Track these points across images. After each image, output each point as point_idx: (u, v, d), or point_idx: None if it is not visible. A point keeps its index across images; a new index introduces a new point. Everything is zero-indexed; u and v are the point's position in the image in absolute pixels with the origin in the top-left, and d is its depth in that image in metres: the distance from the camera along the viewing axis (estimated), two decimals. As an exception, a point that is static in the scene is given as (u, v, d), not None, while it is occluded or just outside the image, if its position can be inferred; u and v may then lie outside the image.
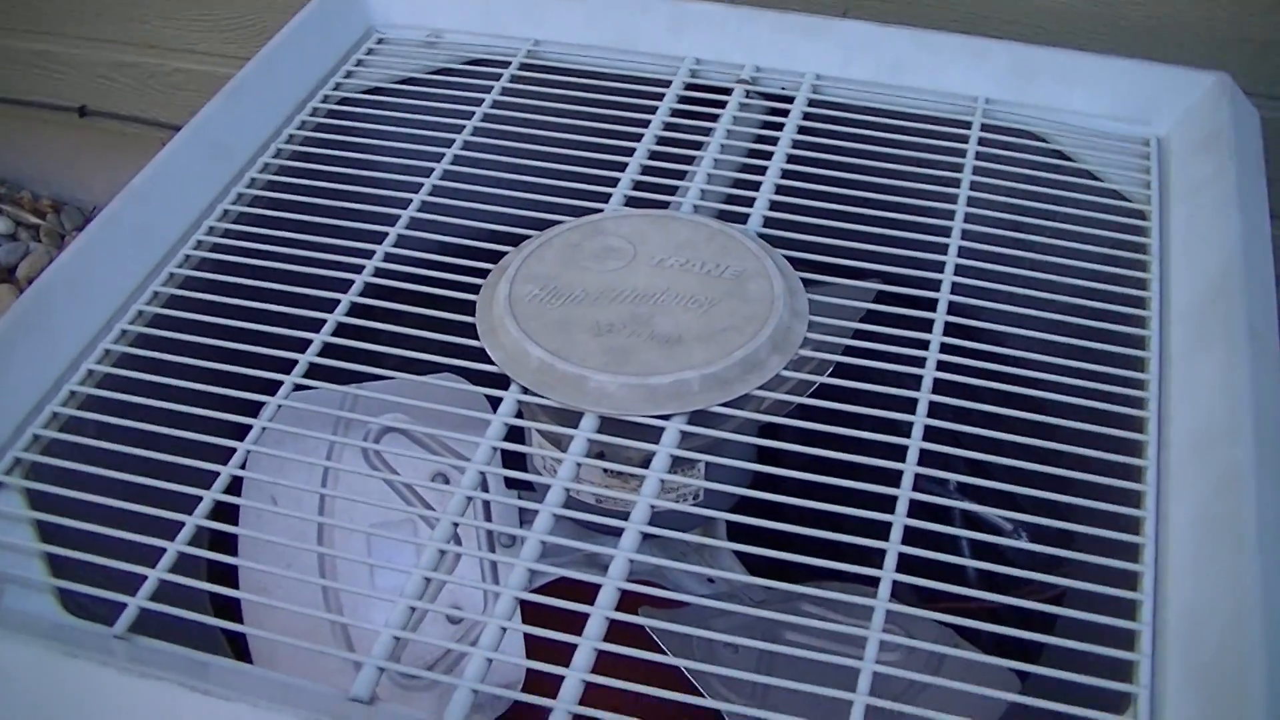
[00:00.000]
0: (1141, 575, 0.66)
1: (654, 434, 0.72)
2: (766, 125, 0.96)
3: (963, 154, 0.90)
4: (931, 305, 0.79)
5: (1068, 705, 0.59)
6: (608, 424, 0.73)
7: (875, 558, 0.65)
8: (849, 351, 0.79)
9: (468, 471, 0.71)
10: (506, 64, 1.01)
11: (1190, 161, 0.90)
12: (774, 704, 0.62)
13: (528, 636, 0.65)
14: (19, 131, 2.00)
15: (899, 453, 0.70)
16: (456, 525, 0.69)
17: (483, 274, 0.82)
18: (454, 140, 0.94)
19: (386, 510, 0.88)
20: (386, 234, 0.87)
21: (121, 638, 0.64)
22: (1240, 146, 0.88)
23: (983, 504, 0.72)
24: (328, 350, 0.79)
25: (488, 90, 0.99)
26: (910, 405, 0.73)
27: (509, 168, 0.92)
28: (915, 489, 0.68)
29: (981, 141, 0.92)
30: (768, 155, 0.91)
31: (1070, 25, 1.32)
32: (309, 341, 0.79)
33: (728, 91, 0.98)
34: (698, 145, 0.93)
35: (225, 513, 0.72)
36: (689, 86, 0.98)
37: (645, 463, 0.71)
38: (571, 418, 0.74)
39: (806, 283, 0.81)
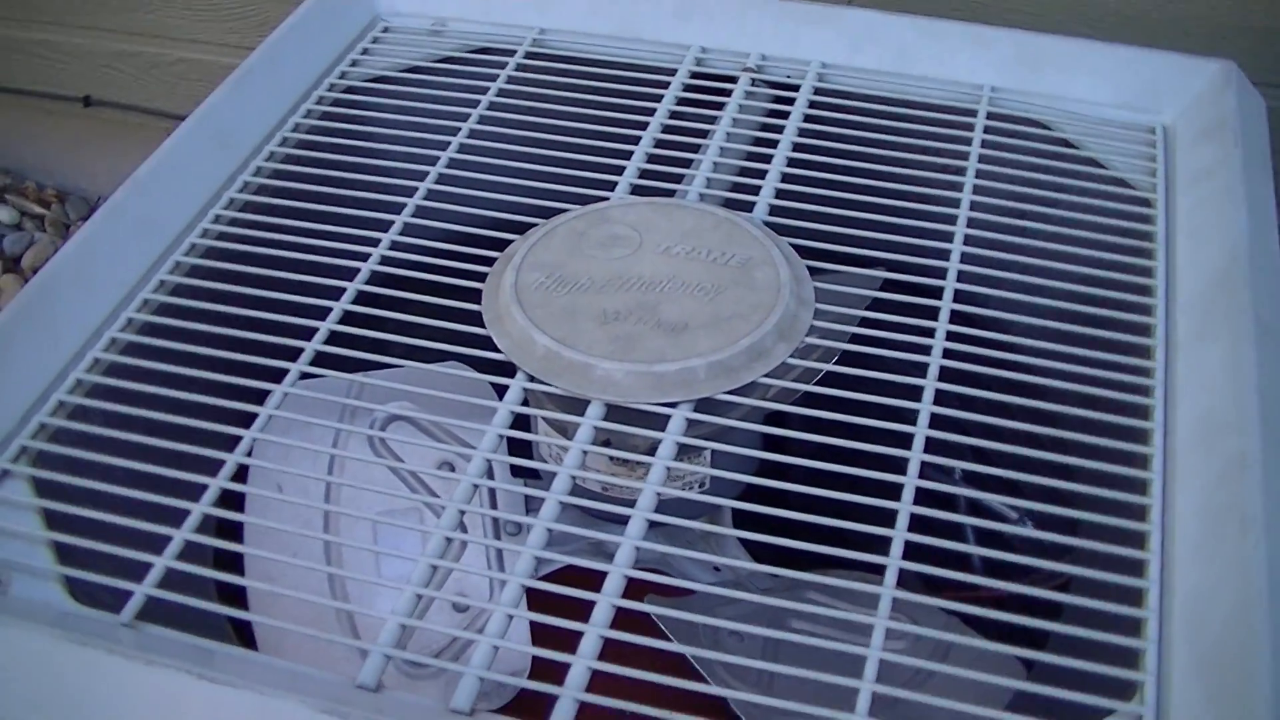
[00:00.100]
0: (1147, 562, 0.66)
1: (660, 422, 0.72)
2: (772, 113, 0.96)
3: (968, 142, 0.90)
4: (937, 293, 0.79)
5: (1074, 692, 0.59)
6: (614, 412, 0.73)
7: (881, 545, 0.65)
8: (855, 339, 0.79)
9: (474, 459, 0.71)
10: (512, 52, 1.01)
11: (1196, 149, 0.89)
12: (780, 692, 0.62)
13: (534, 624, 0.65)
14: (23, 121, 2.00)
15: (905, 440, 0.70)
16: (463, 513, 0.69)
17: (489, 262, 0.83)
18: (460, 129, 0.94)
19: (392, 498, 0.88)
20: (392, 222, 0.87)
21: (128, 626, 0.64)
22: (1246, 134, 0.88)
23: (988, 492, 0.72)
24: (334, 338, 0.79)
25: (493, 79, 0.99)
26: (916, 393, 0.73)
27: (515, 156, 0.92)
28: (921, 477, 0.68)
29: (987, 130, 0.92)
30: (773, 143, 0.91)
31: (1074, 13, 1.32)
32: (315, 330, 0.79)
33: (733, 80, 0.98)
34: (703, 133, 0.93)
35: (232, 500, 0.72)
36: (694, 75, 0.98)
37: (651, 450, 0.71)
38: (578, 405, 0.74)
39: (812, 271, 0.81)
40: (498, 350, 0.77)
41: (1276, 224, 0.83)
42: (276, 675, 0.61)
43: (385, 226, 0.86)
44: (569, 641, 0.62)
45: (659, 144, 0.92)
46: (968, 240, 0.83)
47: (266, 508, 0.80)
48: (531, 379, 0.75)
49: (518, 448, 0.82)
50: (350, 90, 1.00)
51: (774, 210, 0.86)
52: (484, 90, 0.98)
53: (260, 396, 0.75)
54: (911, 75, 0.97)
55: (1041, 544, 0.68)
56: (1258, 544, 0.63)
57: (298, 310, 0.79)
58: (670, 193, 0.88)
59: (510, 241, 0.84)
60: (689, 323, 0.76)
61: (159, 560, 0.66)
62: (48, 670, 0.61)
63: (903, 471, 0.68)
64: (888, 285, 0.84)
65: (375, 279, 0.83)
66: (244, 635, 0.77)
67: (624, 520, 0.68)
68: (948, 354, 0.75)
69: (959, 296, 0.79)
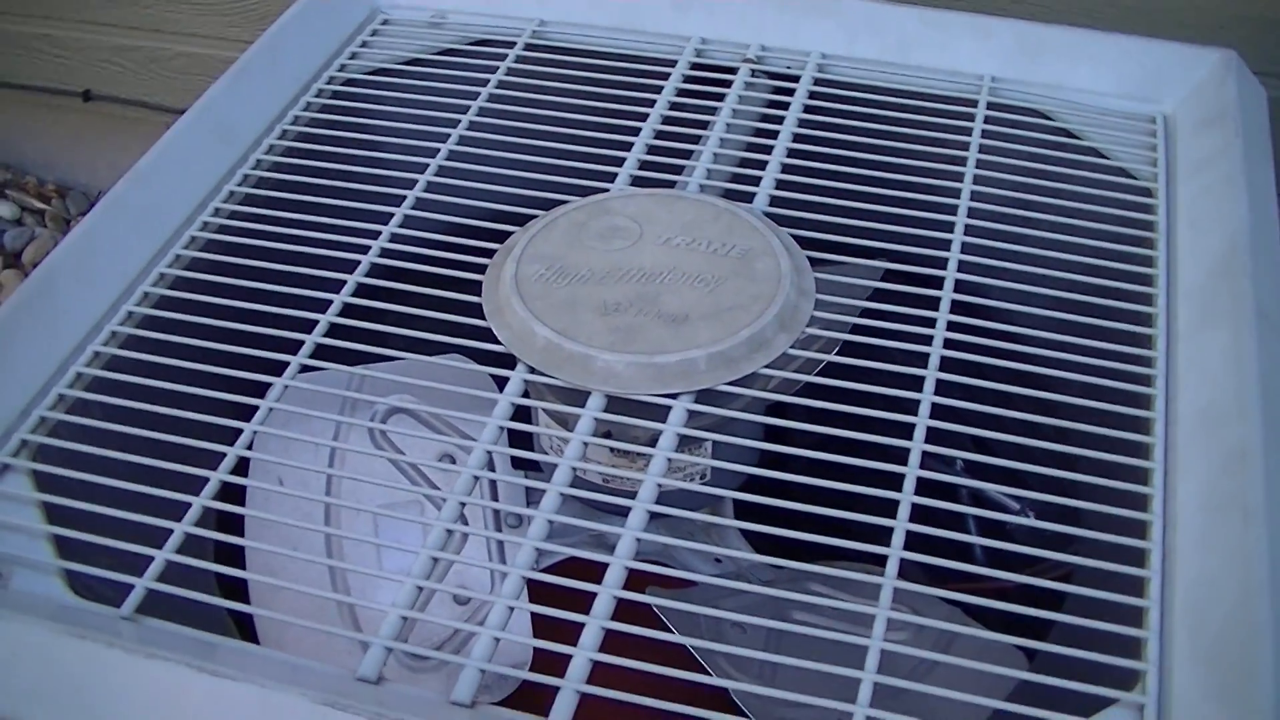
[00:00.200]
0: (1149, 552, 0.65)
1: (661, 413, 0.72)
2: (772, 104, 0.96)
3: (969, 132, 0.90)
4: (938, 284, 0.79)
5: (1076, 683, 0.59)
6: (614, 403, 0.73)
7: (883, 536, 0.65)
8: (856, 330, 0.79)
9: (474, 451, 0.71)
10: (512, 44, 1.01)
11: (1196, 138, 0.89)
12: (782, 683, 0.62)
13: (535, 616, 0.65)
14: (23, 116, 1.99)
15: (906, 431, 0.70)
16: (463, 505, 0.69)
17: (489, 254, 0.82)
18: (459, 121, 0.94)
19: (393, 490, 0.88)
20: (392, 215, 0.87)
21: (129, 619, 0.64)
22: (1247, 123, 0.88)
23: (990, 482, 0.72)
24: (334, 331, 0.79)
25: (493, 71, 0.99)
26: (917, 384, 0.73)
27: (515, 148, 0.91)
28: (922, 467, 0.68)
29: (987, 120, 0.91)
30: (773, 134, 0.91)
31: (1074, 3, 1.32)
32: (315, 322, 0.79)
33: (733, 71, 0.97)
34: (703, 125, 0.93)
35: (232, 494, 0.72)
36: (694, 66, 0.98)
37: (652, 442, 0.71)
38: (578, 397, 0.74)
39: (813, 262, 0.81)
40: (498, 342, 0.77)
41: (1277, 213, 0.83)
42: (277, 668, 0.61)
43: (385, 219, 0.86)
44: (570, 633, 0.62)
45: (659, 135, 0.92)
46: (969, 230, 0.83)
47: (267, 501, 0.80)
48: (532, 371, 0.75)
49: (518, 440, 0.82)
50: (350, 83, 1.00)
51: (774, 201, 0.86)
52: (484, 82, 0.98)
53: (260, 389, 0.75)
54: (912, 65, 0.96)
55: (1043, 534, 0.68)
56: (1259, 533, 0.63)
57: (298, 303, 0.79)
58: (670, 184, 0.88)
59: (510, 233, 0.84)
60: (689, 314, 0.76)
61: (159, 554, 0.66)
62: (48, 664, 0.61)
63: (904, 462, 0.68)
64: (889, 276, 0.84)
65: (375, 271, 0.83)
66: (245, 628, 0.77)
67: (625, 512, 0.68)
68: (949, 344, 0.75)
69: (960, 287, 0.79)
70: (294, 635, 0.80)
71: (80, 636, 0.61)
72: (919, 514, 0.66)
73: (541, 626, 0.65)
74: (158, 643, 0.61)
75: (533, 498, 0.90)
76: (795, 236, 0.83)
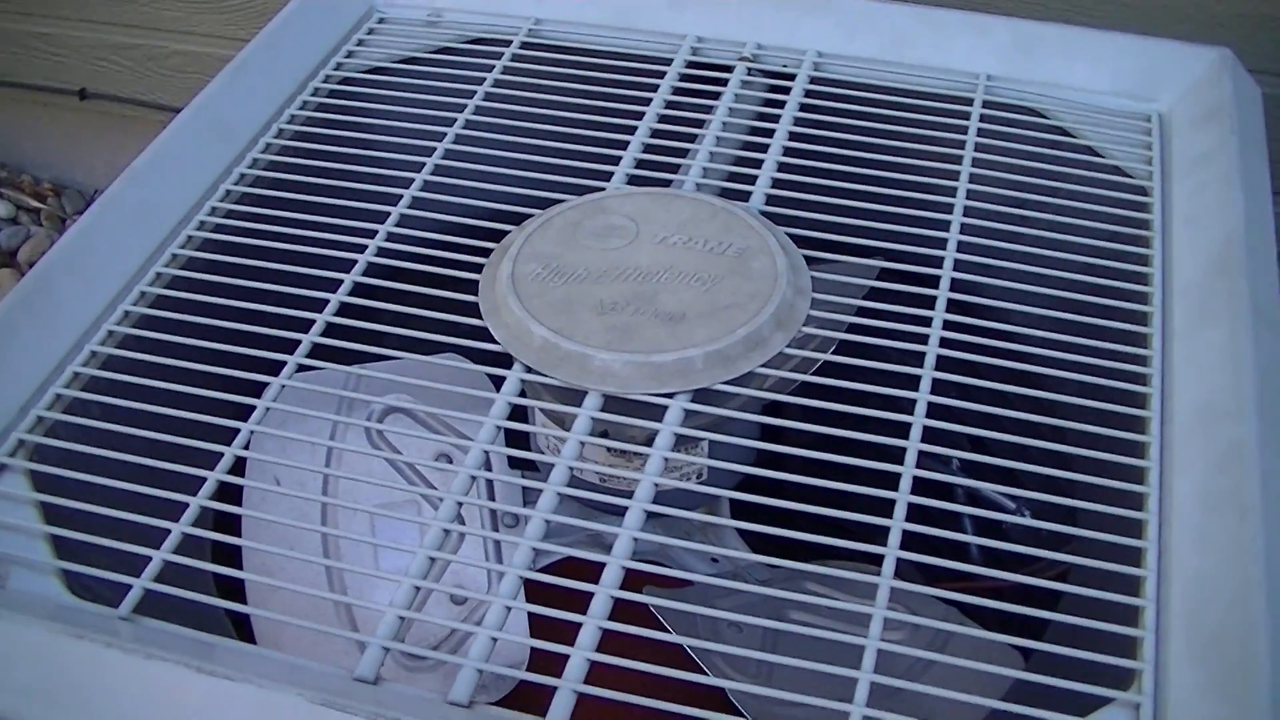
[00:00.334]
0: (1145, 551, 0.66)
1: (658, 412, 0.72)
2: (768, 103, 0.96)
3: (965, 130, 0.90)
4: (934, 282, 0.79)
5: (1072, 682, 0.59)
6: (611, 402, 0.73)
7: (879, 535, 0.65)
8: (852, 329, 0.79)
9: (471, 451, 0.71)
10: (508, 43, 1.01)
11: (1192, 137, 0.89)
12: (779, 682, 0.62)
13: (532, 616, 0.65)
14: (19, 115, 1.99)
15: (903, 430, 0.70)
16: (460, 505, 0.69)
17: (485, 253, 0.82)
18: (456, 119, 0.94)
19: (390, 490, 0.88)
20: (389, 214, 0.87)
21: (126, 619, 0.64)
22: (1242, 122, 0.88)
23: (987, 481, 0.72)
24: (331, 330, 0.79)
25: (489, 69, 0.99)
26: (914, 382, 0.73)
27: (511, 147, 0.91)
28: (918, 466, 0.68)
29: (983, 118, 0.91)
30: (770, 133, 0.91)
31: (1069, 1, 1.32)
32: (312, 322, 0.79)
33: (729, 69, 0.97)
34: (699, 123, 0.93)
35: (229, 493, 0.72)
36: (690, 64, 0.98)
37: (649, 441, 0.71)
38: (575, 396, 0.74)
39: (809, 260, 0.81)
40: (495, 341, 0.77)
41: (1272, 210, 0.83)
42: (275, 668, 0.61)
43: (382, 218, 0.86)
44: (567, 633, 0.62)
45: (655, 134, 0.92)
46: (964, 229, 0.83)
47: (264, 500, 0.80)
48: (529, 370, 0.75)
49: (515, 439, 0.82)
50: (346, 81, 1.00)
51: (770, 200, 0.86)
52: (480, 81, 0.98)
53: (257, 389, 0.75)
54: (908, 64, 0.97)
55: (1039, 533, 0.68)
56: (1256, 531, 0.63)
57: (294, 302, 0.79)
58: (667, 183, 0.88)
59: (507, 232, 0.84)
60: (686, 313, 0.76)
61: (157, 554, 0.66)
62: (46, 664, 0.61)
63: (900, 461, 0.68)
64: (885, 274, 0.84)
65: (372, 271, 0.83)
66: (242, 628, 0.77)
67: (622, 511, 0.68)
68: (945, 343, 0.75)
69: (956, 285, 0.79)
70: (291, 635, 0.80)
71: (78, 636, 0.61)
72: (915, 513, 0.66)
73: (539, 626, 0.65)
74: (155, 643, 0.61)
75: (530, 497, 0.90)
76: (791, 235, 0.83)
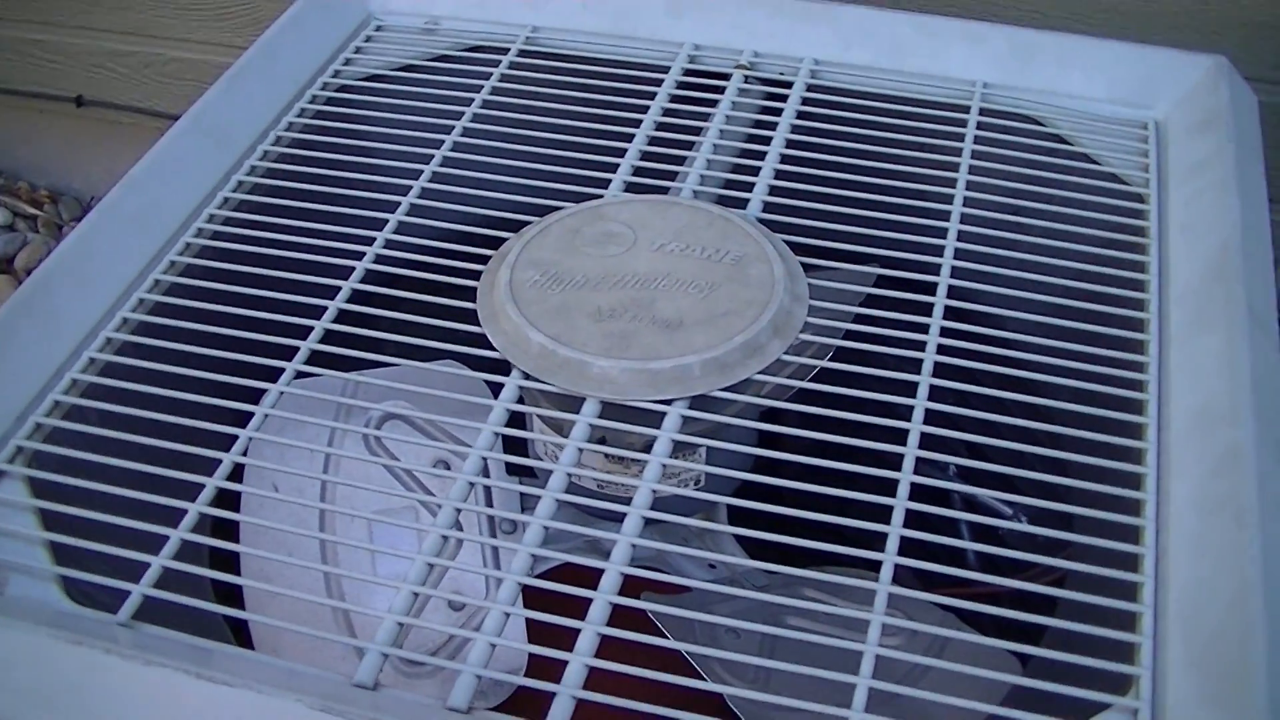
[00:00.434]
0: (1142, 557, 0.66)
1: (655, 419, 0.72)
2: (765, 111, 0.96)
3: (961, 138, 0.90)
4: (931, 289, 0.79)
5: (1070, 687, 0.59)
6: (609, 409, 0.73)
7: (877, 542, 0.65)
8: (850, 336, 0.79)
9: (469, 457, 0.71)
10: (505, 50, 1.01)
11: (1188, 144, 0.90)
12: (776, 688, 0.62)
13: (530, 622, 0.65)
14: (16, 121, 1.99)
15: (900, 437, 0.70)
16: (459, 511, 0.69)
17: (483, 260, 0.82)
18: (454, 127, 0.94)
19: (388, 496, 0.88)
20: (387, 221, 0.87)
21: (125, 625, 0.64)
22: (1238, 129, 0.88)
23: (984, 488, 0.72)
24: (329, 337, 0.79)
25: (486, 77, 0.99)
26: (911, 389, 0.73)
27: (509, 154, 0.92)
28: (916, 473, 0.68)
29: (980, 125, 0.92)
30: (767, 141, 0.91)
31: (1066, 9, 1.32)
32: (310, 328, 0.79)
33: (726, 77, 0.98)
34: (697, 131, 0.93)
35: (227, 500, 0.72)
36: (687, 72, 0.98)
37: (647, 448, 0.71)
38: (573, 403, 0.74)
39: (806, 267, 0.81)
40: (493, 348, 0.77)
41: (1269, 218, 0.83)
42: (273, 674, 0.61)
43: (380, 225, 0.86)
44: (566, 639, 0.62)
45: (652, 141, 0.92)
46: (961, 236, 0.83)
47: (262, 507, 0.80)
48: (527, 376, 0.75)
49: (513, 446, 0.82)
50: (344, 89, 1.00)
51: (768, 207, 0.86)
52: (477, 89, 0.98)
53: (256, 396, 0.75)
54: (904, 71, 0.97)
55: (1036, 539, 0.68)
56: (1253, 537, 0.63)
57: (293, 309, 0.79)
58: (664, 190, 0.88)
59: (504, 239, 0.84)
60: (684, 319, 0.76)
61: (155, 560, 0.66)
62: (45, 670, 0.61)
63: (898, 468, 0.68)
64: (882, 281, 0.85)
65: (370, 277, 0.83)
66: (241, 635, 0.77)
67: (620, 518, 0.68)
68: (942, 350, 0.75)
69: (953, 292, 0.79)
70: (289, 641, 0.80)
71: (77, 643, 0.61)
72: (913, 519, 0.66)
73: (537, 632, 0.65)
74: (154, 649, 0.61)
75: (528, 504, 0.90)
76: (789, 242, 0.83)
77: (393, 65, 1.02)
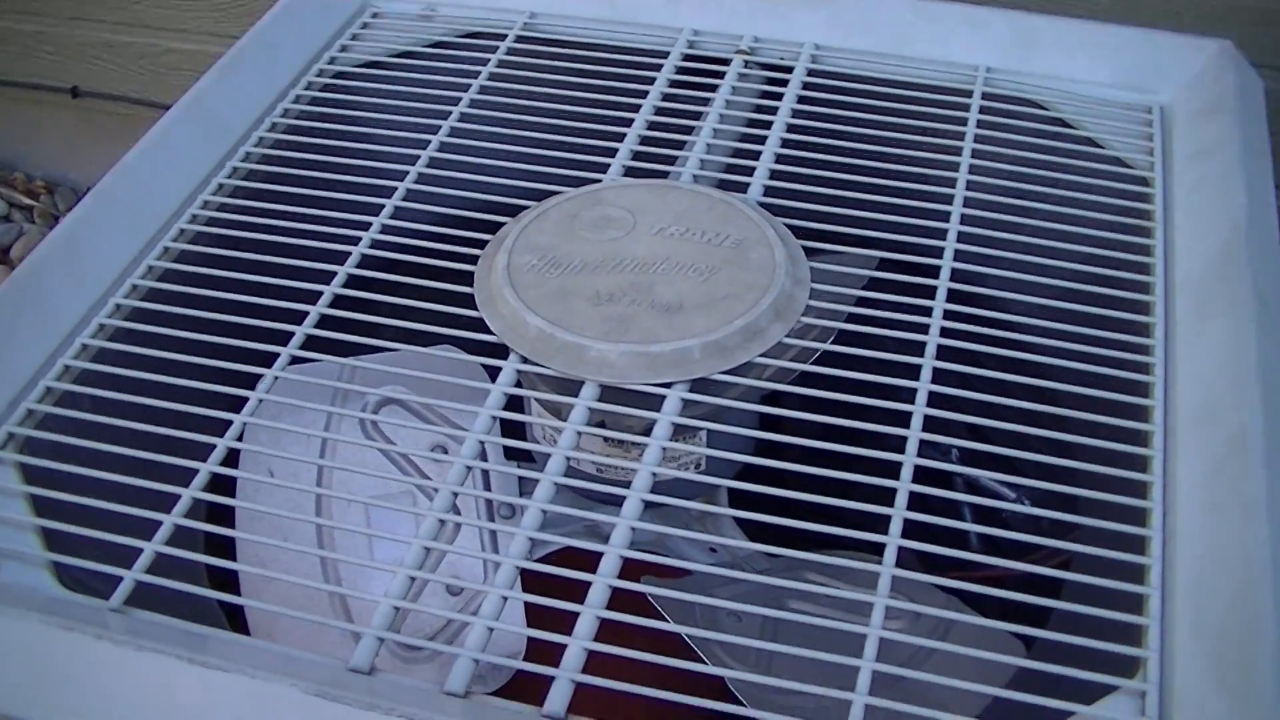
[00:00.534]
0: (1149, 539, 0.65)
1: (655, 402, 0.72)
2: (765, 95, 0.95)
3: (964, 122, 0.90)
4: (934, 273, 0.79)
5: (1076, 670, 0.59)
6: (608, 392, 0.73)
7: (879, 524, 0.65)
8: (851, 319, 0.78)
9: (467, 441, 0.71)
10: (503, 36, 1.01)
11: (1193, 129, 0.89)
12: (778, 671, 0.61)
13: (529, 606, 0.64)
14: (12, 112, 1.99)
15: (903, 420, 0.70)
16: (456, 495, 0.68)
17: (481, 245, 0.82)
18: (450, 112, 0.94)
19: (385, 481, 0.87)
20: (383, 206, 0.86)
21: (118, 611, 0.63)
22: (1244, 114, 0.87)
23: (988, 470, 0.71)
24: (325, 322, 0.78)
25: (484, 63, 0.98)
26: (914, 372, 0.72)
27: (507, 139, 0.91)
28: (919, 455, 0.68)
29: (983, 110, 0.91)
30: (767, 125, 0.90)
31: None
32: (306, 314, 0.78)
33: (726, 62, 0.97)
34: (697, 116, 0.92)
35: (222, 485, 0.72)
36: (687, 57, 0.98)
37: (646, 431, 0.71)
38: (571, 387, 0.73)
39: (808, 251, 0.81)
40: (490, 332, 0.76)
41: (1274, 203, 0.82)
42: (269, 659, 0.60)
43: (376, 210, 0.86)
44: (564, 623, 0.61)
45: (652, 126, 0.92)
46: (964, 220, 0.82)
47: (258, 492, 0.79)
48: (524, 360, 0.74)
49: (511, 430, 0.81)
50: (340, 76, 1.00)
51: (768, 191, 0.85)
52: (475, 75, 0.97)
53: (251, 381, 0.74)
54: (906, 57, 0.96)
55: (1042, 522, 0.67)
56: (1260, 520, 0.62)
57: (288, 294, 0.79)
58: (664, 175, 0.88)
59: (502, 224, 0.83)
60: (683, 303, 0.75)
61: (149, 545, 0.66)
62: (37, 656, 0.60)
63: (901, 450, 0.68)
64: (884, 265, 0.84)
65: (366, 262, 0.82)
66: (236, 620, 0.76)
67: (619, 501, 0.67)
68: (945, 333, 0.75)
69: (956, 276, 0.79)
70: (285, 626, 0.79)
71: (69, 629, 0.60)
72: (916, 502, 0.66)
73: (535, 616, 0.64)
74: (147, 635, 0.61)
75: (526, 488, 0.89)
76: (790, 226, 0.82)
77: (389, 52, 1.02)
